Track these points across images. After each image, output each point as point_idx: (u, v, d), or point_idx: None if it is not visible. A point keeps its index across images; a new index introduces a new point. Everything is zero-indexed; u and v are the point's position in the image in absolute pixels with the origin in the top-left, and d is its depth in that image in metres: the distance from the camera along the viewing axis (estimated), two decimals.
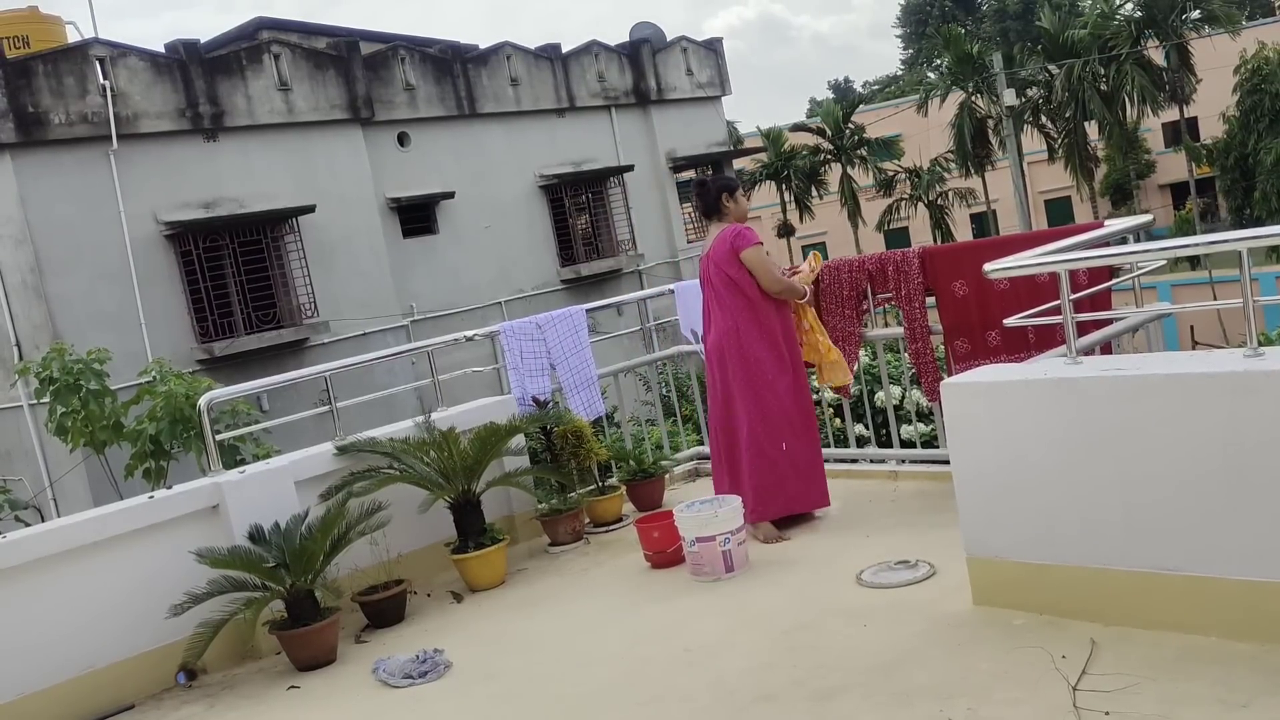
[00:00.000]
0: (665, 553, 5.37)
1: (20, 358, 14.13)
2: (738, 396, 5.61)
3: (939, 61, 50.06)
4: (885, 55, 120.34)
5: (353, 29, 19.91)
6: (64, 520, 5.25)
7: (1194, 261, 31.17)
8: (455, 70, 19.70)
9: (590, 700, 4.04)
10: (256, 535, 5.05)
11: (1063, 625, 3.78)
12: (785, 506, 5.58)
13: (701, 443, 7.88)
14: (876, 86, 67.83)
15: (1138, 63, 35.36)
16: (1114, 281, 5.15)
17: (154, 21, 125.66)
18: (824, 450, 7.07)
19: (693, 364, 7.99)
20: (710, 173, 24.24)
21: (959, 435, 4.06)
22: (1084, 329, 4.60)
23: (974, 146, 37.93)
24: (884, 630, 4.10)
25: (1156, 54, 36.24)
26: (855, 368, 6.41)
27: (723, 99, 25.00)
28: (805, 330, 5.95)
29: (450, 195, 19.20)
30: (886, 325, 6.62)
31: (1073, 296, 3.99)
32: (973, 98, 37.79)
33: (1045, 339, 5.29)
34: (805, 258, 6.20)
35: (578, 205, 21.61)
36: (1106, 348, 5.04)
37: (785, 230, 43.33)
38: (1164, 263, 5.01)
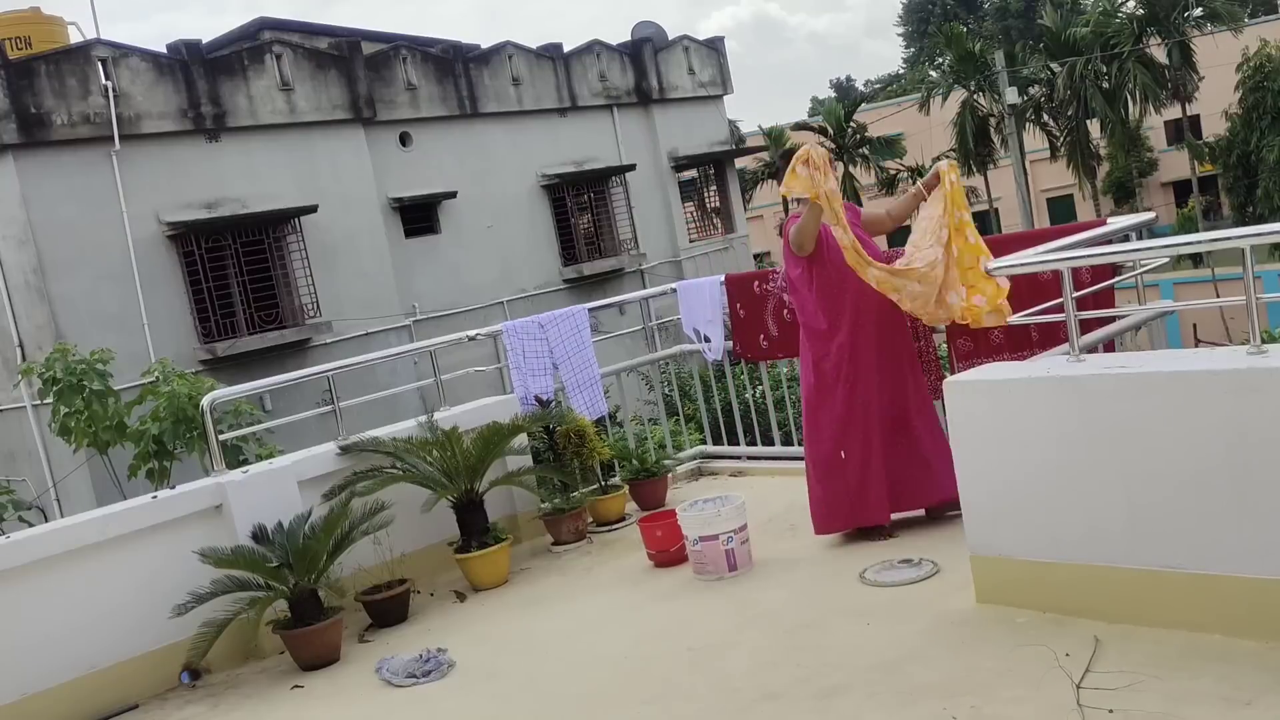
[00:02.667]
0: (668, 552, 5.37)
1: (23, 358, 14.15)
2: None
3: (941, 60, 50.03)
4: (883, 54, 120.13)
5: (354, 29, 19.91)
6: (67, 520, 5.27)
7: (1196, 259, 31.15)
8: (457, 70, 19.70)
9: (594, 699, 4.04)
10: (260, 535, 5.06)
11: (1066, 623, 3.78)
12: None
13: (703, 441, 7.89)
14: (878, 85, 67.78)
15: (1140, 60, 35.31)
16: (1116, 279, 5.14)
17: (146, 24, 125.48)
18: None
19: (695, 363, 7.98)
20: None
21: (962, 433, 4.06)
22: (1087, 327, 4.59)
23: (976, 145, 37.88)
24: (887, 629, 4.10)
25: (1159, 51, 36.19)
26: None
27: (724, 98, 24.99)
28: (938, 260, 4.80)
29: (452, 195, 19.20)
30: None
31: (1075, 294, 3.98)
32: (975, 96, 37.75)
33: (1048, 337, 5.28)
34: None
35: (580, 205, 21.61)
36: (1109, 345, 5.03)
37: None
38: (1167, 260, 5.01)
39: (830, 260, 5.07)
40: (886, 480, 5.10)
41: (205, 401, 5.80)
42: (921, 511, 5.23)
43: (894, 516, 5.19)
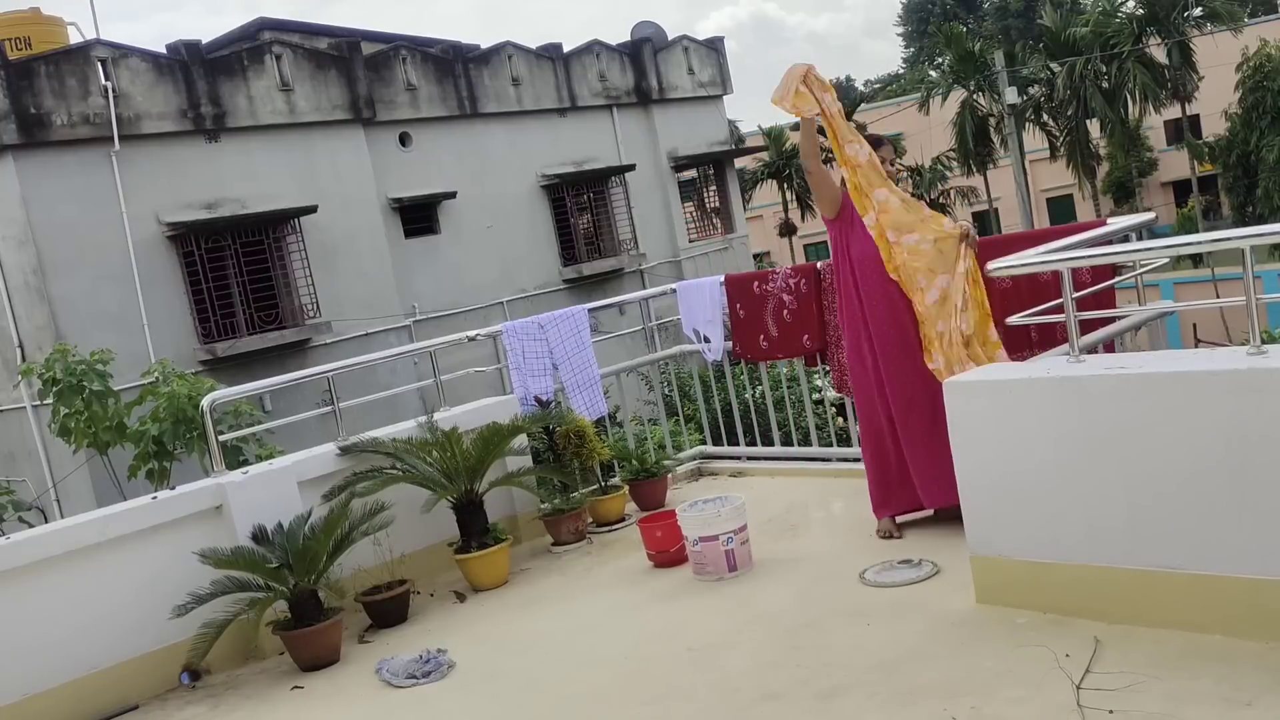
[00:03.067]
0: (668, 552, 5.37)
1: (23, 359, 14.16)
2: None
3: (941, 60, 50.03)
4: (883, 54, 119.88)
5: (353, 29, 19.92)
6: (67, 521, 5.26)
7: (1196, 259, 31.17)
8: (457, 70, 19.70)
9: (593, 700, 4.04)
10: (260, 535, 5.06)
11: (1066, 624, 3.78)
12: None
13: (703, 442, 7.89)
14: (877, 85, 67.79)
15: (1140, 60, 35.33)
16: (1116, 279, 5.14)
17: (145, 24, 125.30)
18: (827, 449, 7.14)
19: (695, 363, 7.98)
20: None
21: (962, 434, 4.06)
22: (1087, 327, 4.59)
23: (976, 145, 37.89)
24: (887, 629, 4.10)
25: (1158, 51, 36.21)
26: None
27: (724, 98, 24.99)
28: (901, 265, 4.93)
29: (452, 195, 19.21)
30: None
31: (1075, 295, 3.98)
32: (974, 96, 37.77)
33: (1048, 337, 5.28)
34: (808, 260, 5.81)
35: (579, 205, 21.61)
36: (1109, 346, 5.03)
37: (787, 229, 43.31)
38: (1167, 260, 5.00)
39: (860, 244, 5.02)
40: (930, 466, 4.95)
41: (205, 402, 5.79)
42: (928, 512, 5.19)
43: (916, 515, 5.14)
